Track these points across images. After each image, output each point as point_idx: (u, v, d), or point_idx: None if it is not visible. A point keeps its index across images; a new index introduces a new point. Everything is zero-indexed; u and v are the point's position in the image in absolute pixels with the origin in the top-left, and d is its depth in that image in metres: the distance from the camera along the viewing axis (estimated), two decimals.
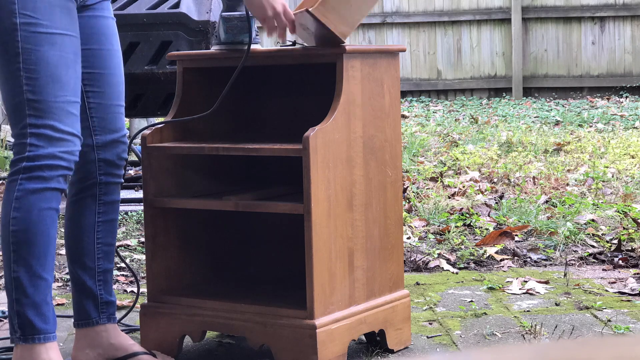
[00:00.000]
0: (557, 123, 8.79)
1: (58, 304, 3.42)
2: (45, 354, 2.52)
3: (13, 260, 2.51)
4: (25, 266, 2.50)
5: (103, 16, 2.69)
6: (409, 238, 4.25)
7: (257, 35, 2.78)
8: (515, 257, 3.98)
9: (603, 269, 3.81)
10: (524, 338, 2.97)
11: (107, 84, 2.69)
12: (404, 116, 9.61)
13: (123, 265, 3.85)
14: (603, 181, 5.46)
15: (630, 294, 3.43)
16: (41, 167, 2.49)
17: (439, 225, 4.49)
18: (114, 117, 2.70)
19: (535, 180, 5.48)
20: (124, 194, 5.22)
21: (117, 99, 2.71)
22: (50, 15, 2.49)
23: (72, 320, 2.86)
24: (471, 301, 3.38)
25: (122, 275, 3.80)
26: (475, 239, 4.28)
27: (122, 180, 2.77)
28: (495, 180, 5.61)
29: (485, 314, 3.23)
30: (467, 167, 6.00)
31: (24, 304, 2.51)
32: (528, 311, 3.25)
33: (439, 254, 4.00)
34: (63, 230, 2.96)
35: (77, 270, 2.75)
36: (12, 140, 2.58)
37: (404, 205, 4.78)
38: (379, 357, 2.82)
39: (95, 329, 2.77)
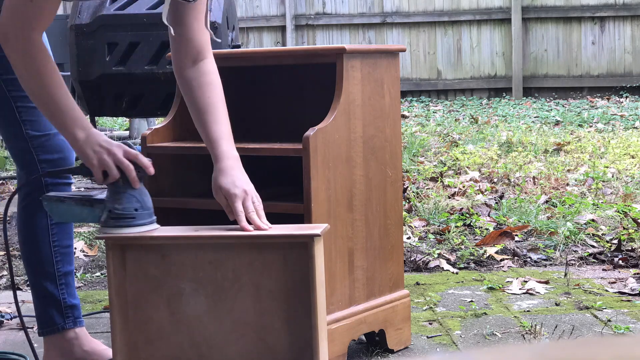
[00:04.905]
0: (557, 123, 8.79)
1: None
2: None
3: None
4: None
5: None
6: (409, 238, 4.25)
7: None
8: (515, 257, 3.98)
9: (603, 269, 3.81)
10: (524, 338, 2.97)
11: None
12: (404, 116, 9.61)
13: None
14: (603, 181, 5.46)
15: (630, 294, 3.43)
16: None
17: (439, 225, 4.49)
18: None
19: (535, 180, 5.48)
20: None
21: None
22: None
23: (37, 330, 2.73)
24: (471, 301, 3.38)
25: None
26: (475, 239, 4.27)
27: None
28: (495, 180, 5.61)
29: (485, 314, 3.23)
30: (467, 167, 5.99)
31: None
32: (528, 311, 3.25)
33: (439, 254, 4.00)
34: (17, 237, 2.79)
35: (36, 277, 2.65)
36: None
37: (404, 205, 4.78)
38: (379, 357, 2.82)
39: (64, 336, 2.66)
